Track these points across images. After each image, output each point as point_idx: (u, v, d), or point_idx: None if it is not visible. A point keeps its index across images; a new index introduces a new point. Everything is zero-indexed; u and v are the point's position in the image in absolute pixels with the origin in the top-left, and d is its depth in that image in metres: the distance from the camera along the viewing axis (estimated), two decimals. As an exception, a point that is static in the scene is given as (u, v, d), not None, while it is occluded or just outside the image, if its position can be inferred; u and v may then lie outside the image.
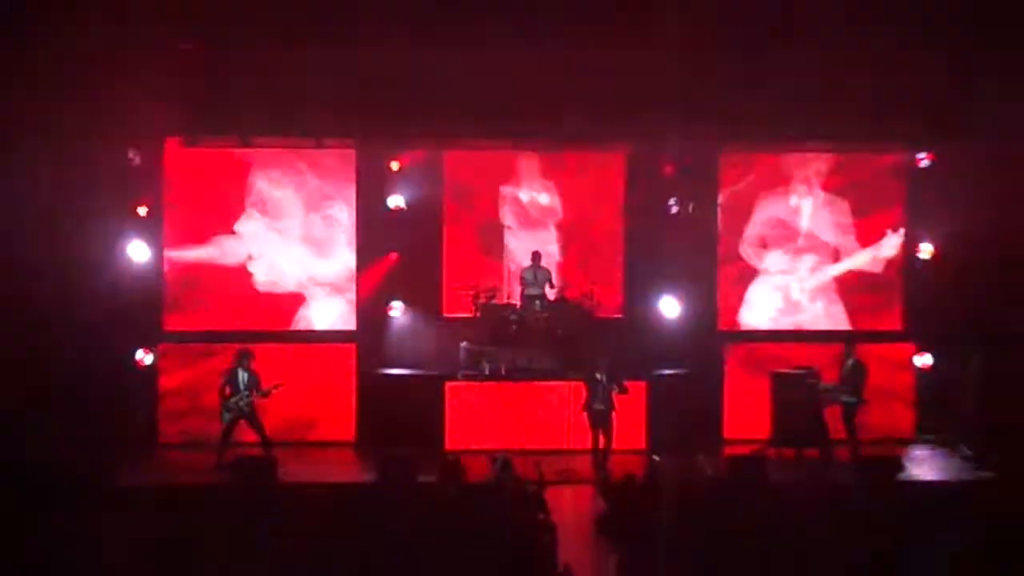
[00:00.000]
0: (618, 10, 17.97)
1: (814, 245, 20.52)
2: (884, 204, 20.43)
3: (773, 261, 20.43)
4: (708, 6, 17.77)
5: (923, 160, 19.92)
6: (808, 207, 20.42)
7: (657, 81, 18.35)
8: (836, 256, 20.51)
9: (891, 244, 20.41)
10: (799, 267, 20.47)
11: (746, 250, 20.36)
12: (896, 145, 20.03)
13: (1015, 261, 18.50)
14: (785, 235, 20.48)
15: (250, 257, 19.95)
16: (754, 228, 20.41)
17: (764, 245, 20.33)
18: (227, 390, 17.76)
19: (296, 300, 20.05)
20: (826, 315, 20.49)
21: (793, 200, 20.43)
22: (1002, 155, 18.55)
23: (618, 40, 18.16)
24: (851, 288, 20.51)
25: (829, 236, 20.48)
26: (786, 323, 20.54)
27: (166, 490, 16.43)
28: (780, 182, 20.48)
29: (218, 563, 11.51)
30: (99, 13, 16.56)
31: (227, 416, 17.72)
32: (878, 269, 20.47)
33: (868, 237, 20.41)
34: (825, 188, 20.54)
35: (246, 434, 18.09)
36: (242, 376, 17.71)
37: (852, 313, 20.48)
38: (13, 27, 16.33)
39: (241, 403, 17.66)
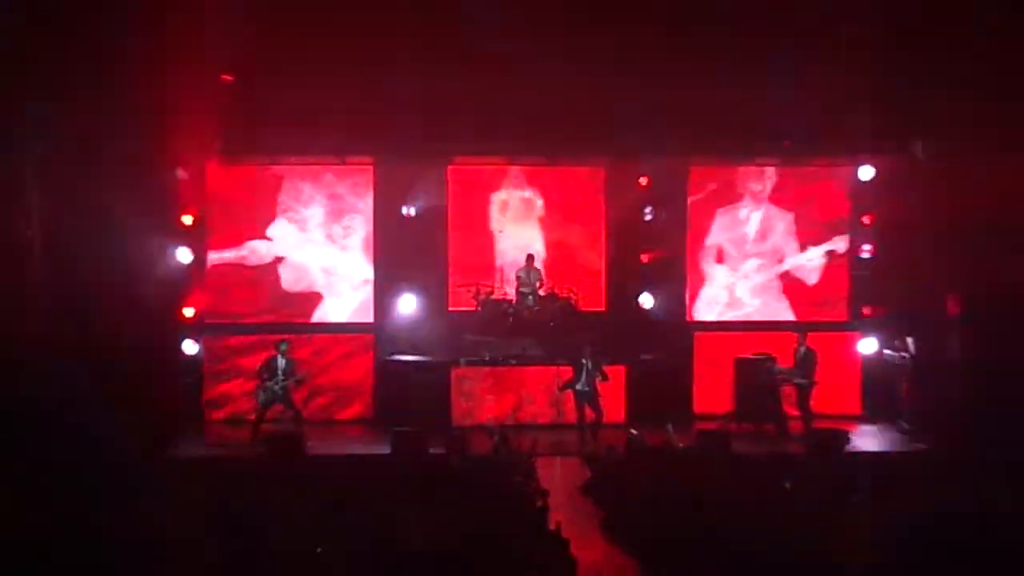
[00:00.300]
0: (596, 42, 18.18)
1: (771, 249, 20.70)
2: (831, 210, 20.63)
3: (738, 265, 20.62)
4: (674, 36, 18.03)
5: (866, 170, 20.10)
6: (765, 215, 20.63)
7: (631, 104, 18.60)
8: (792, 258, 20.67)
9: (838, 246, 20.61)
10: (758, 269, 20.63)
11: (707, 258, 20.59)
12: (841, 157, 20.24)
13: (945, 258, 18.70)
14: (744, 241, 20.67)
15: (281, 259, 20.11)
16: (715, 237, 20.60)
17: (720, 259, 20.59)
18: (266, 374, 17.96)
19: (321, 297, 20.24)
20: (781, 310, 20.65)
21: (744, 212, 20.60)
22: (934, 164, 18.77)
23: (598, 67, 18.36)
24: (803, 285, 20.70)
25: (782, 240, 20.66)
26: (744, 317, 20.73)
27: (209, 461, 16.63)
28: (739, 192, 20.68)
29: (255, 522, 11.70)
30: (151, 53, 16.83)
31: (263, 397, 17.96)
32: (827, 268, 20.66)
33: (817, 240, 20.59)
34: (780, 197, 20.70)
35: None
36: (280, 362, 18.00)
37: (804, 307, 20.65)
38: (79, 70, 16.63)
39: (276, 387, 17.93)
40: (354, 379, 20.09)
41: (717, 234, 20.70)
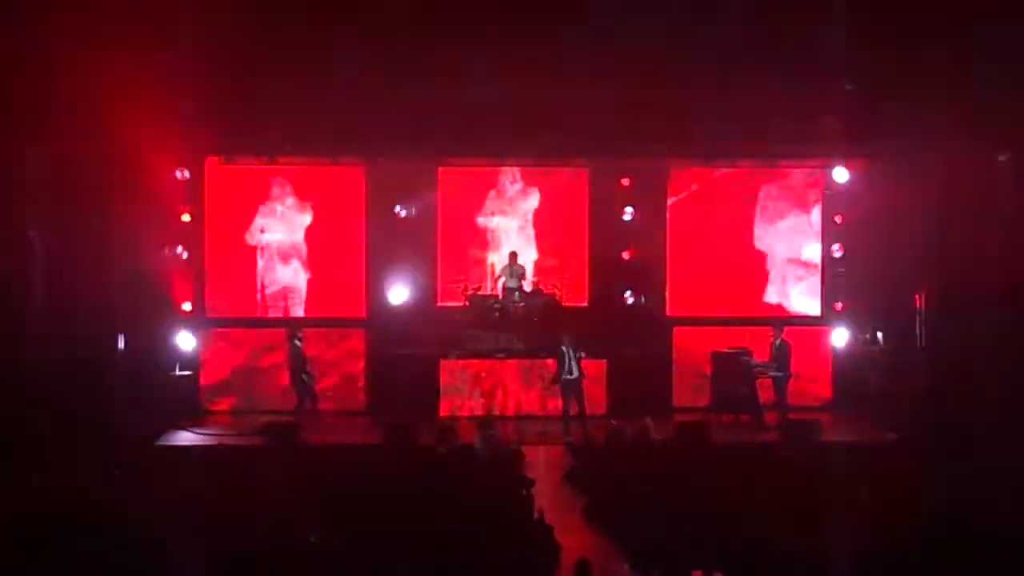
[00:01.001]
0: (582, 45, 18.17)
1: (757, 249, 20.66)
2: (807, 212, 20.58)
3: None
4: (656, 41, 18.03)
5: (840, 172, 19.98)
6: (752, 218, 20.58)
7: (613, 106, 18.59)
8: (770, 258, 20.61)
9: (813, 245, 20.55)
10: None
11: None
12: (816, 160, 20.17)
13: (914, 256, 18.72)
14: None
15: (276, 254, 20.00)
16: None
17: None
18: (299, 363, 18.40)
19: (315, 291, 20.11)
20: (764, 307, 20.55)
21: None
22: (904, 169, 18.76)
23: (582, 70, 18.37)
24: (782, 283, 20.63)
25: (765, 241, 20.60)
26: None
27: (206, 451, 16.50)
28: (721, 194, 20.57)
29: (253, 507, 11.63)
30: (151, 62, 16.85)
31: (310, 381, 18.39)
32: (805, 266, 20.61)
33: (795, 240, 20.53)
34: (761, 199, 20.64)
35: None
36: (299, 345, 18.37)
37: (783, 303, 20.58)
38: (79, 71, 16.58)
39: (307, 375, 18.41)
40: (348, 371, 19.92)
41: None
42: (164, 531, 10.64)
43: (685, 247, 20.46)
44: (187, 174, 19.13)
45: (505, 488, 13.26)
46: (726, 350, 19.32)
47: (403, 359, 19.46)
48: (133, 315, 18.40)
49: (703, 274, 20.38)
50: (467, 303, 19.83)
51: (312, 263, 20.16)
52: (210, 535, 10.51)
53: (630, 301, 20.20)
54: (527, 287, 19.92)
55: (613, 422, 17.26)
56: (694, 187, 20.51)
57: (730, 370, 18.92)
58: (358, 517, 11.39)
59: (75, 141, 17.25)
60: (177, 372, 19.10)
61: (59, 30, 16.55)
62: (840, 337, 20.06)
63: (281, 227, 20.14)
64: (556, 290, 19.90)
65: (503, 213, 20.65)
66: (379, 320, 20.07)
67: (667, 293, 20.50)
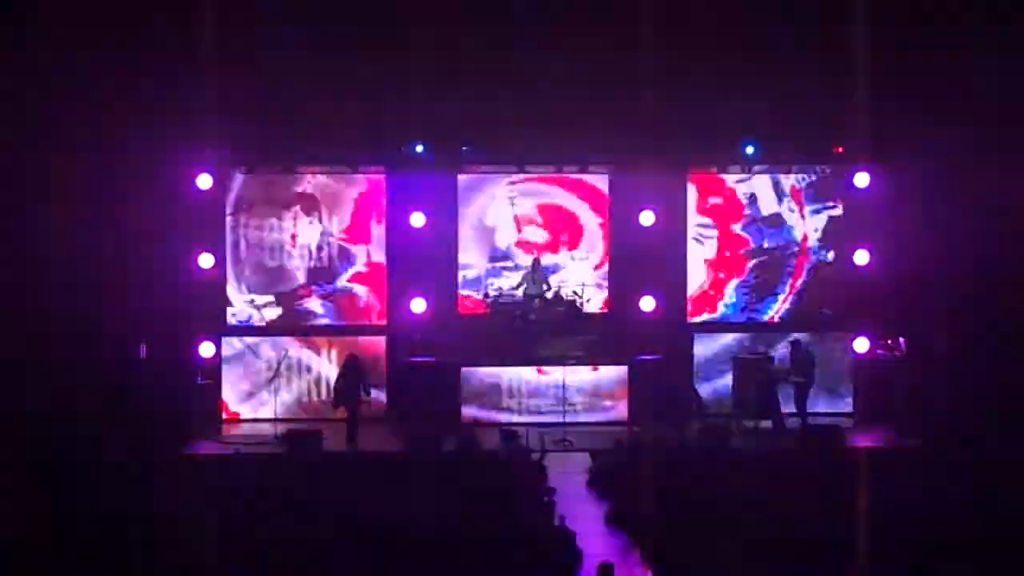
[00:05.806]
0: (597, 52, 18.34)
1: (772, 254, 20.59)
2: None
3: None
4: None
5: (861, 177, 19.90)
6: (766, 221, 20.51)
7: (631, 114, 18.64)
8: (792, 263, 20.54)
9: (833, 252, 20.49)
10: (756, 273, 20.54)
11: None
12: (837, 165, 20.13)
13: (937, 262, 18.68)
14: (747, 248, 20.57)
15: (297, 264, 20.08)
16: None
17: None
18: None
19: (338, 300, 20.16)
20: (783, 312, 20.51)
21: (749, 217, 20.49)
22: (928, 176, 18.72)
23: (599, 77, 18.56)
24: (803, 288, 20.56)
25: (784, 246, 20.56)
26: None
27: (227, 460, 16.55)
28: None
29: (272, 516, 11.69)
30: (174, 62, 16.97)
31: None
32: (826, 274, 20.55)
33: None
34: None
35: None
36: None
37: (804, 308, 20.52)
38: (103, 78, 16.74)
39: None
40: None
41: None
42: (189, 538, 10.73)
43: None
44: (209, 181, 19.24)
45: (527, 494, 13.29)
46: (747, 355, 19.31)
47: (424, 367, 19.49)
48: (154, 324, 18.49)
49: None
50: (488, 310, 19.87)
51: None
52: (233, 542, 10.59)
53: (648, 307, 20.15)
54: (549, 294, 19.93)
55: (635, 428, 17.29)
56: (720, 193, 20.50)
57: (751, 376, 18.93)
58: (379, 523, 11.44)
59: (99, 151, 17.39)
60: (199, 381, 19.17)
61: (85, 41, 16.74)
62: (861, 343, 19.96)
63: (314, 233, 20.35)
64: (576, 296, 19.90)
65: (527, 223, 20.69)
66: (401, 328, 20.10)
67: (687, 299, 20.51)
